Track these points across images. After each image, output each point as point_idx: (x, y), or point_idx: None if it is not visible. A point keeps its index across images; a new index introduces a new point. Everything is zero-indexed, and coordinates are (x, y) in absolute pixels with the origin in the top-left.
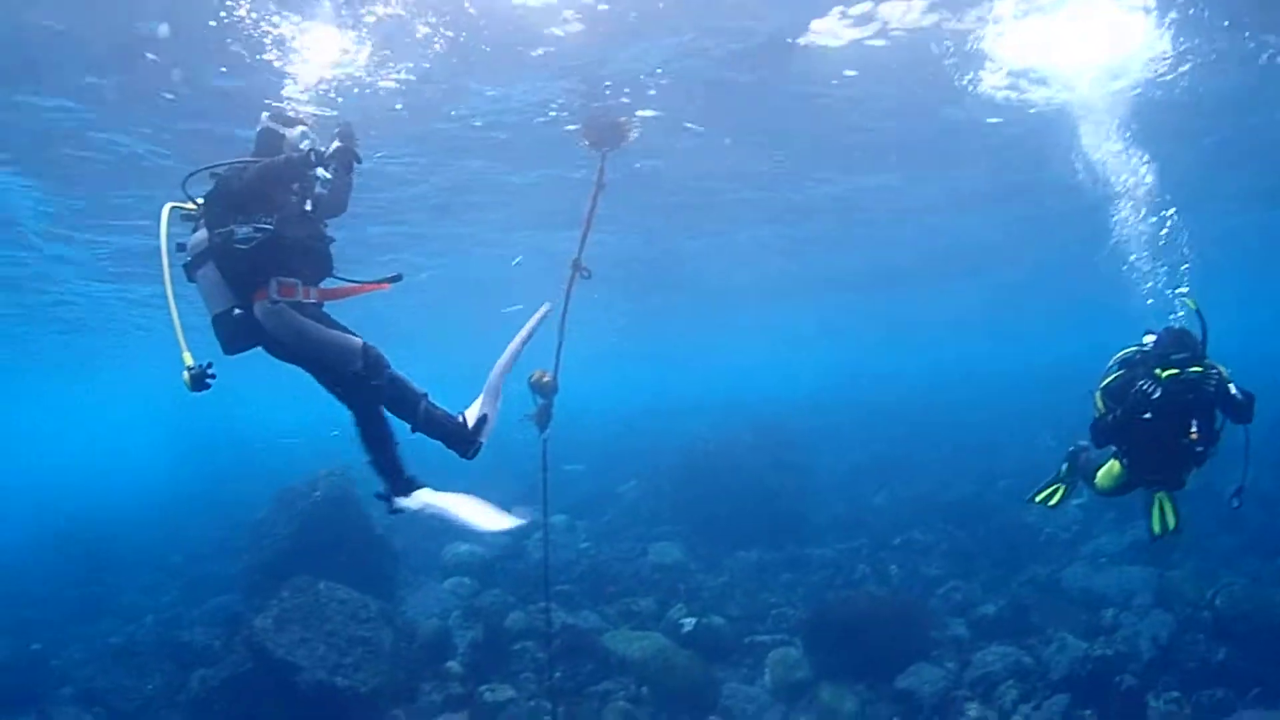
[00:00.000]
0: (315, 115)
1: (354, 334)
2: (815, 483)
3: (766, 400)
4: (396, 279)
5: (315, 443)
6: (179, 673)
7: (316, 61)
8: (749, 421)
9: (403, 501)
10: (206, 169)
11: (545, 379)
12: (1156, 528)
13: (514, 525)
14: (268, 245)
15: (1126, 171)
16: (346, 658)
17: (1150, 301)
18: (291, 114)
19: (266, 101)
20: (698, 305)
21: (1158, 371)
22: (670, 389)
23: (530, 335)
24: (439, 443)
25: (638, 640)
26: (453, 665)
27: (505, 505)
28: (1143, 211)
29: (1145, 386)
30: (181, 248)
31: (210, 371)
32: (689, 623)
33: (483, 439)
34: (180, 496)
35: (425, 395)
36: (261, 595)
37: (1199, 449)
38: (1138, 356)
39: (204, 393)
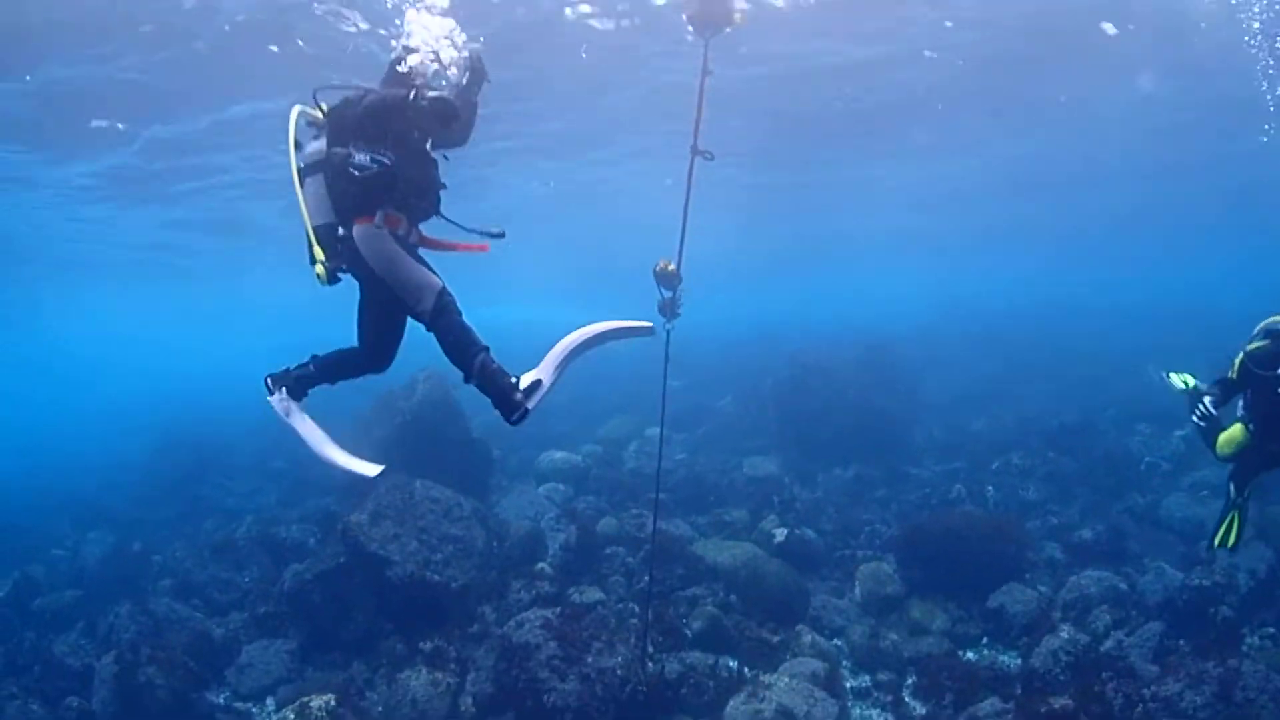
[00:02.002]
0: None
1: (436, 274)
2: (917, 405)
3: (874, 323)
4: (499, 235)
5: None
6: (274, 567)
7: None
8: (854, 340)
9: (285, 400)
10: (337, 87)
11: (670, 268)
12: (1218, 540)
13: (367, 471)
14: (383, 177)
15: None
16: (437, 554)
17: None
18: (426, 42)
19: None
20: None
21: None
22: (776, 311)
23: (617, 333)
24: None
25: (728, 548)
26: (543, 566)
27: (605, 414)
28: None
29: None
30: (299, 146)
31: (344, 268)
32: (780, 533)
33: (531, 405)
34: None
35: (486, 349)
36: (358, 496)
37: None
38: None
39: (334, 285)
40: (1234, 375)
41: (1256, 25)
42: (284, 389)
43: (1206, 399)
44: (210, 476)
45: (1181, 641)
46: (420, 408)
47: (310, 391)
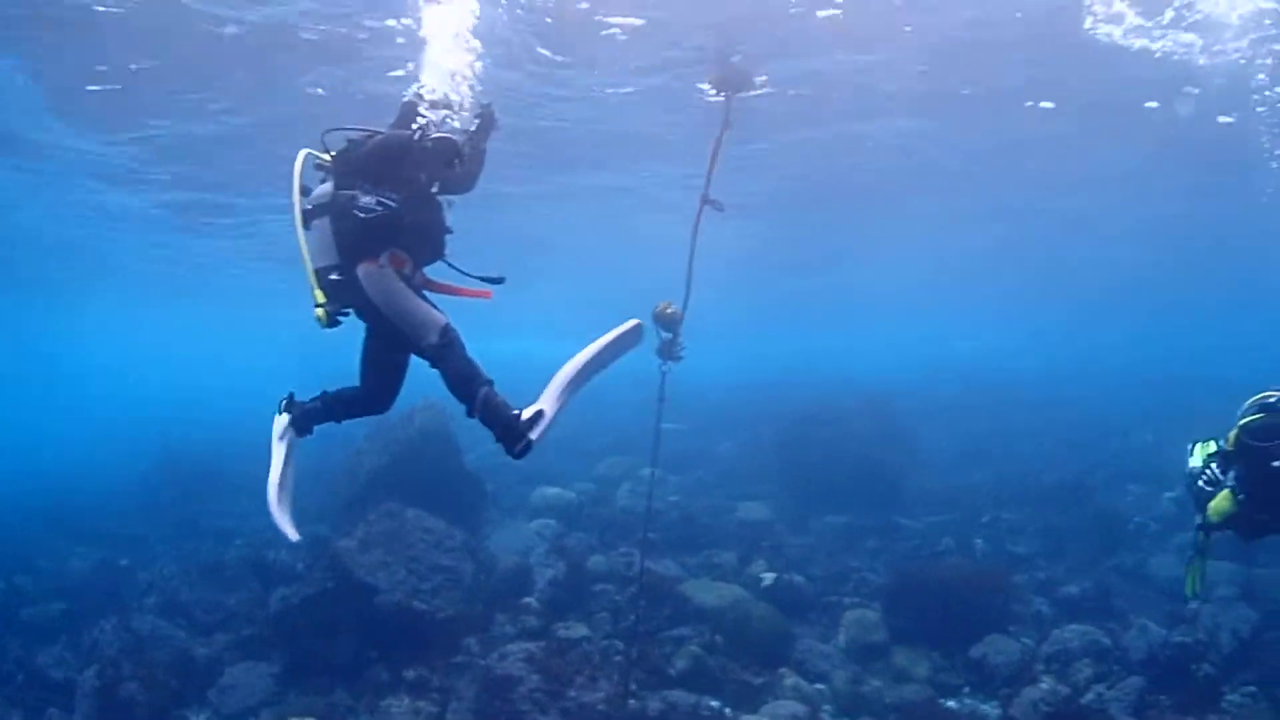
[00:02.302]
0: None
1: (441, 312)
2: (912, 457)
3: (875, 377)
4: (499, 281)
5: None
6: (262, 590)
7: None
8: (856, 392)
9: (287, 429)
10: (345, 129)
11: (669, 310)
12: (1188, 590)
13: (288, 533)
14: (387, 220)
15: None
16: (426, 583)
17: None
18: (439, 96)
19: (419, 82)
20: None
21: None
22: (779, 361)
23: (610, 350)
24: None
25: (716, 590)
26: (530, 601)
27: (601, 453)
28: None
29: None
30: (305, 193)
31: (345, 310)
32: (769, 577)
33: (534, 437)
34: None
35: (490, 383)
36: (350, 523)
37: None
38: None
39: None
40: (1230, 448)
41: (1262, 76)
42: (291, 418)
43: (1213, 465)
44: (205, 497)
45: (1163, 697)
46: (416, 438)
47: (315, 429)
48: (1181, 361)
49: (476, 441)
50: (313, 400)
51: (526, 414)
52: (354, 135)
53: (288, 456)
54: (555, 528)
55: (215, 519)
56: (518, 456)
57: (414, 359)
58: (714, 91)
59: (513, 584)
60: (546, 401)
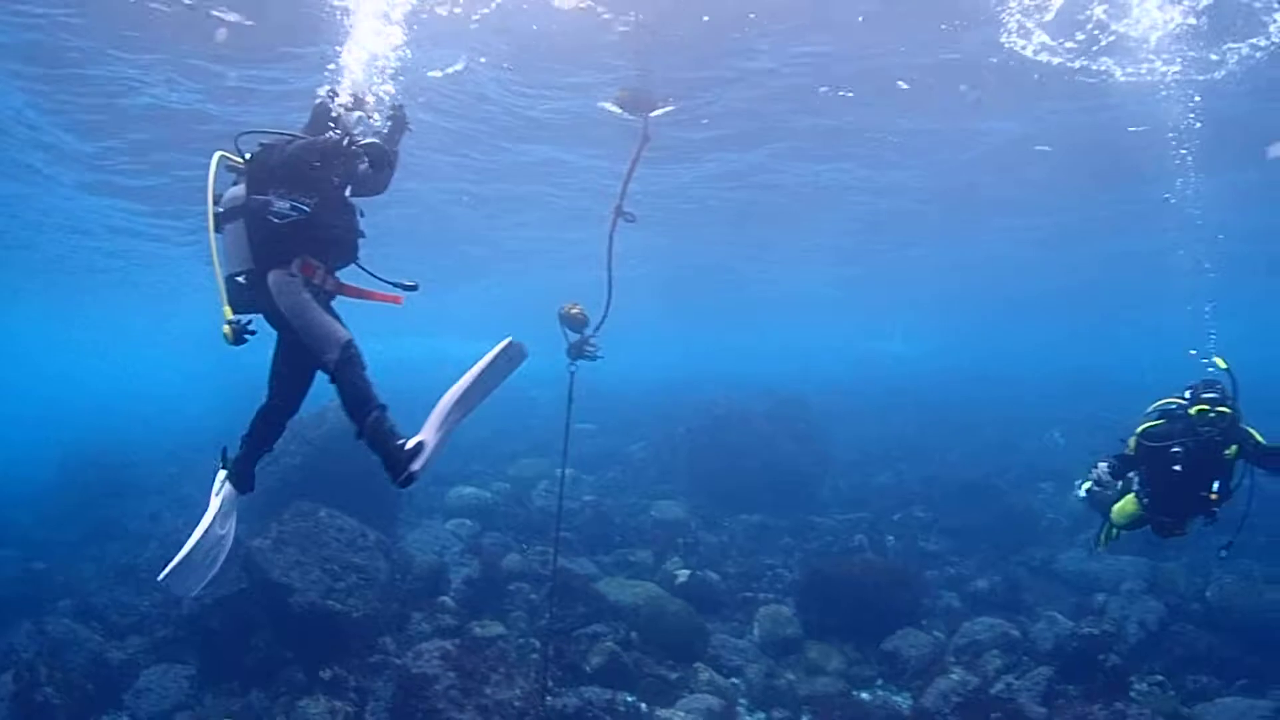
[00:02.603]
0: (375, 95)
1: (344, 328)
2: (825, 457)
3: (788, 379)
4: (413, 288)
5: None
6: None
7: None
8: (765, 392)
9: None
10: (259, 132)
11: (574, 310)
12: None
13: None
14: (301, 226)
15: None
16: (340, 583)
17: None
18: (350, 95)
19: (329, 79)
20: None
21: (1190, 411)
22: (693, 362)
23: (490, 373)
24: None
25: (631, 588)
26: (446, 600)
27: (517, 455)
28: None
29: (1175, 449)
30: (218, 199)
31: (250, 327)
32: (683, 574)
33: (416, 468)
34: (203, 427)
35: (383, 408)
36: (263, 524)
37: (1214, 508)
38: (1178, 410)
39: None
40: (1131, 451)
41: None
42: (227, 473)
43: (1102, 465)
44: (120, 498)
45: (1070, 687)
46: (328, 438)
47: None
48: (1092, 366)
49: None
50: (242, 449)
51: (410, 444)
52: (270, 140)
53: (215, 514)
54: (471, 527)
55: (130, 521)
56: (402, 486)
57: None
58: (620, 111)
59: (428, 583)
60: (428, 432)
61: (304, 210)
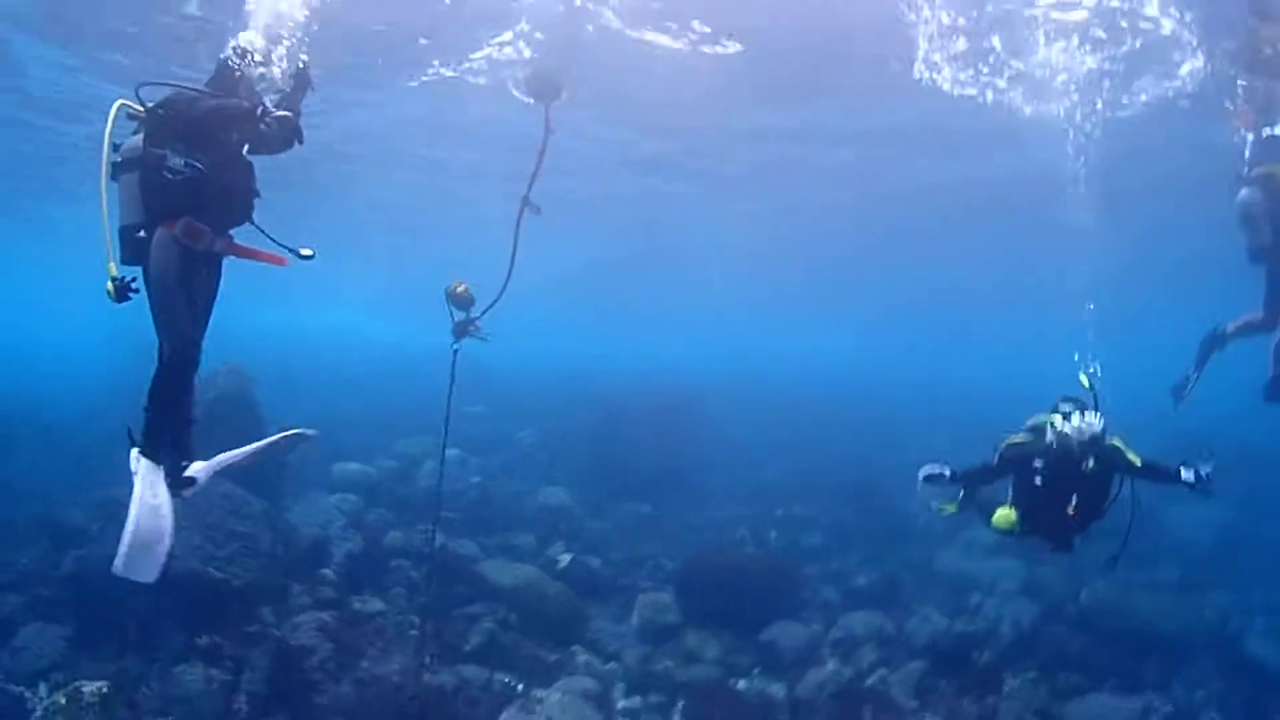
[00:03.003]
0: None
1: (202, 322)
2: (712, 451)
3: (680, 374)
4: (309, 257)
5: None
6: (55, 551)
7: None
8: (655, 384)
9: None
10: (165, 84)
11: (459, 289)
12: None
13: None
14: (194, 183)
15: None
16: (222, 550)
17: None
18: (257, 52)
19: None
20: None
21: (1050, 421)
22: (586, 351)
23: (267, 451)
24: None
25: (512, 570)
26: (327, 573)
27: (404, 432)
28: None
29: (1038, 464)
30: (116, 147)
31: (134, 285)
32: (565, 559)
33: (186, 494)
34: (104, 382)
35: (190, 424)
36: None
37: (1078, 522)
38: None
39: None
40: (995, 462)
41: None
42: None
43: (947, 471)
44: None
45: (943, 681)
46: (216, 401)
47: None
48: (981, 372)
49: (281, 413)
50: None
51: (188, 473)
52: (173, 93)
53: (149, 481)
54: (355, 503)
55: (15, 478)
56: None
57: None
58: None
59: (310, 556)
60: (203, 473)
61: (198, 169)
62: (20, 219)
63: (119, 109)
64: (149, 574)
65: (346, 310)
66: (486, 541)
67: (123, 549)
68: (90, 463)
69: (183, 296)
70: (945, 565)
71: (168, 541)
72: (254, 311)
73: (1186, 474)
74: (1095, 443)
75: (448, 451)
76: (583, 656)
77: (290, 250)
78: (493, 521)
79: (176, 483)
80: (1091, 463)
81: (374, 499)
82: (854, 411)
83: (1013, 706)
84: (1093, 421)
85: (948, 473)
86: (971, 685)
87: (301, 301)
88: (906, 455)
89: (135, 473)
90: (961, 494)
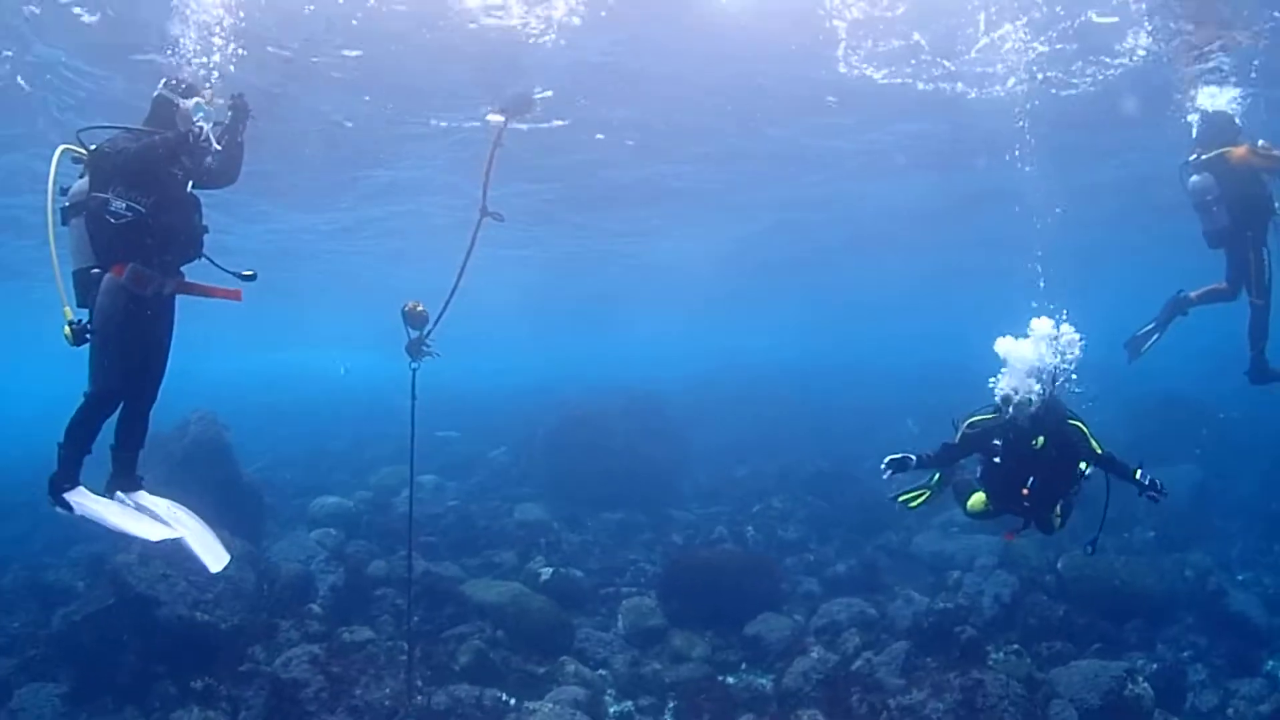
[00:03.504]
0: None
1: (154, 361)
2: (683, 454)
3: (645, 378)
4: (251, 278)
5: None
6: (42, 611)
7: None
8: (620, 392)
9: (122, 495)
10: (101, 127)
11: (418, 309)
12: (902, 499)
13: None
14: (136, 226)
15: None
16: (208, 594)
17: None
18: (187, 82)
19: (166, 69)
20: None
21: (1007, 395)
22: (553, 365)
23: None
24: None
25: (495, 587)
26: (313, 607)
27: (377, 463)
28: None
29: (996, 442)
30: (64, 191)
31: (90, 327)
32: (546, 572)
33: (61, 501)
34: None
35: (85, 453)
36: (126, 540)
37: (1035, 504)
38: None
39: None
40: (957, 442)
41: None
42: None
43: (913, 458)
44: None
45: (929, 659)
46: (191, 449)
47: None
48: (947, 357)
49: (253, 455)
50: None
51: (69, 496)
52: (113, 135)
53: (136, 506)
54: (336, 536)
55: None
56: (51, 501)
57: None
58: (498, 116)
59: (295, 592)
60: (85, 510)
61: (139, 211)
62: None
63: (61, 153)
64: (221, 561)
65: (315, 346)
66: (468, 562)
67: (197, 549)
68: (57, 522)
69: (118, 346)
70: (923, 547)
71: (201, 523)
72: (226, 354)
73: (1142, 475)
74: (1050, 418)
75: (424, 478)
76: (571, 666)
77: (232, 274)
78: (473, 542)
79: (127, 485)
80: (1041, 440)
81: (354, 531)
82: (820, 404)
83: (998, 677)
84: (1034, 390)
85: (913, 458)
86: (955, 661)
87: (272, 339)
88: (875, 443)
89: (76, 508)
90: (936, 477)
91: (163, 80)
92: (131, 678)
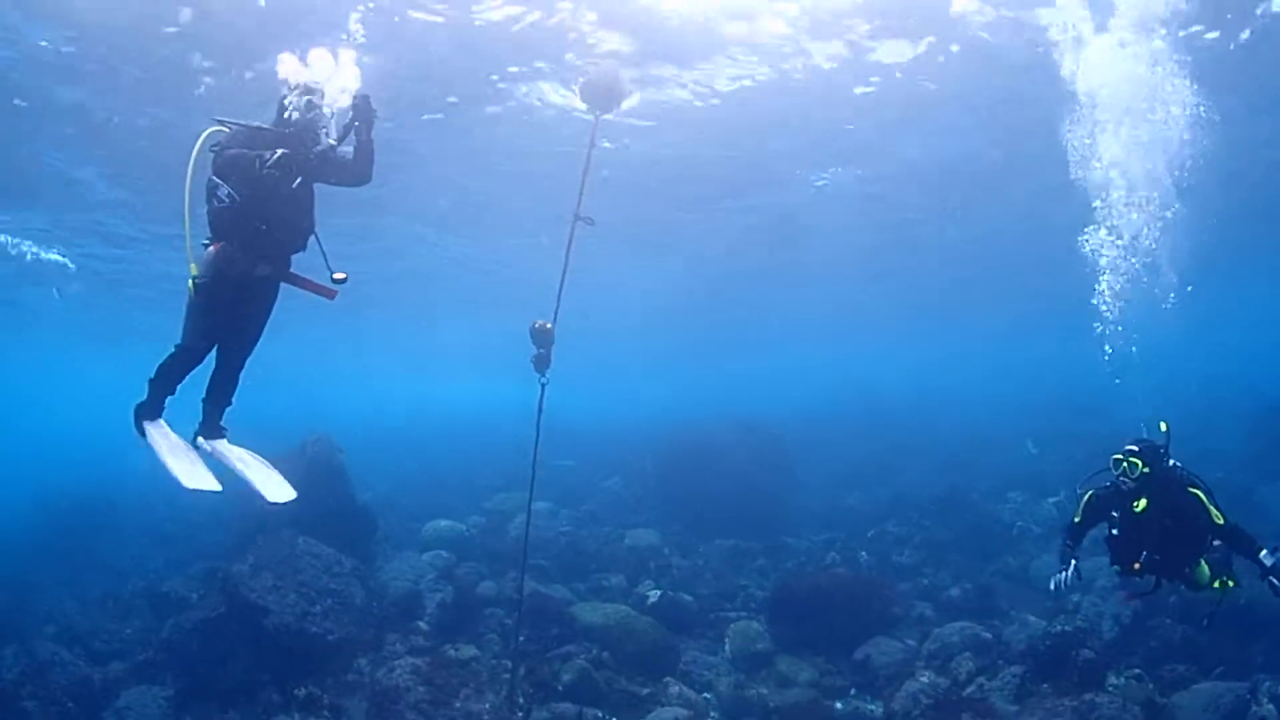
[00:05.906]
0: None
1: (214, 333)
2: (796, 481)
3: (758, 406)
4: (341, 281)
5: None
6: (156, 619)
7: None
8: (736, 420)
9: (204, 441)
10: (229, 121)
11: (545, 327)
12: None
13: (289, 497)
14: (232, 212)
15: None
16: (316, 606)
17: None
18: (306, 84)
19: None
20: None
21: (1116, 458)
22: (673, 395)
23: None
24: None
25: (603, 609)
26: (420, 624)
27: (492, 490)
28: None
29: (1114, 512)
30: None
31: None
32: (654, 595)
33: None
34: None
35: (168, 393)
36: (241, 550)
37: (1155, 574)
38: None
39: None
40: (1078, 518)
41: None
42: (205, 433)
43: (1071, 563)
44: (98, 541)
45: (1045, 685)
46: (306, 470)
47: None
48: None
49: (371, 481)
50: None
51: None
52: (235, 129)
53: (225, 453)
54: (447, 559)
55: (110, 559)
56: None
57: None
58: (585, 108)
59: (404, 608)
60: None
61: (235, 201)
62: None
63: (209, 135)
64: (207, 483)
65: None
66: (578, 586)
67: (171, 474)
68: (186, 541)
69: (202, 313)
70: (1042, 570)
71: (262, 460)
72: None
73: (1267, 555)
74: (1159, 483)
75: (539, 504)
76: (675, 688)
77: (333, 280)
78: (583, 566)
79: (210, 434)
80: (1144, 503)
81: (465, 553)
82: (930, 429)
83: (1114, 701)
84: (1154, 457)
85: (1071, 562)
86: (1072, 686)
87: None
88: (987, 466)
89: (146, 436)
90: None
91: (283, 78)
92: (236, 683)
